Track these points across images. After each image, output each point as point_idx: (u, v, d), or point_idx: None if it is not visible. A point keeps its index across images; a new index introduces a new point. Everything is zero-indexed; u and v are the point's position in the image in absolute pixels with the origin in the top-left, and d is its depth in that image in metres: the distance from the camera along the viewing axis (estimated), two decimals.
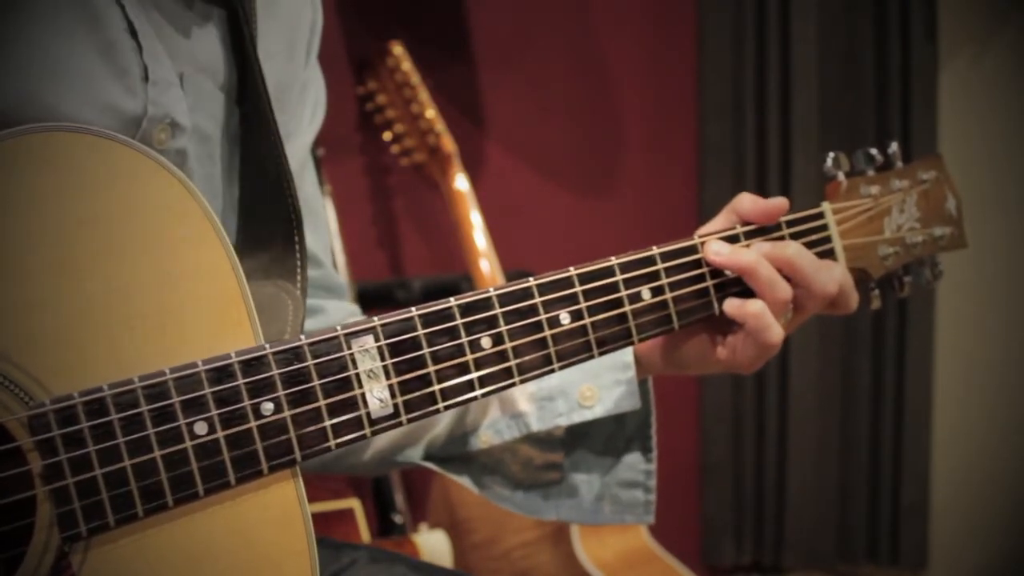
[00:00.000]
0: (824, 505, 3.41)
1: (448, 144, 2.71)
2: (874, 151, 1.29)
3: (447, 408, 1.03)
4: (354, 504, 2.30)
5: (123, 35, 1.00)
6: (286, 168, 1.11)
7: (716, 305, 1.18)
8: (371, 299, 2.65)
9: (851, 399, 3.41)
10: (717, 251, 1.17)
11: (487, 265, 2.61)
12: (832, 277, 1.19)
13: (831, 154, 1.27)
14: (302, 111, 1.27)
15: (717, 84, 3.34)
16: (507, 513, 2.64)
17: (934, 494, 3.40)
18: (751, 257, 1.16)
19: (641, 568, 2.71)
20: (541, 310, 1.07)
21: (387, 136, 2.79)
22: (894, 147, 1.32)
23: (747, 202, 1.21)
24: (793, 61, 3.25)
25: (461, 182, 2.70)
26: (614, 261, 1.12)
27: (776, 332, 1.16)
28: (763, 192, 3.33)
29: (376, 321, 0.99)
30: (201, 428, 0.92)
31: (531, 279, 1.08)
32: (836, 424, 3.41)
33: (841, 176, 1.27)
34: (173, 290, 0.92)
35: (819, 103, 3.27)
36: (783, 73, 3.27)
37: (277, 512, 0.95)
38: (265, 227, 1.11)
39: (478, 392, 1.04)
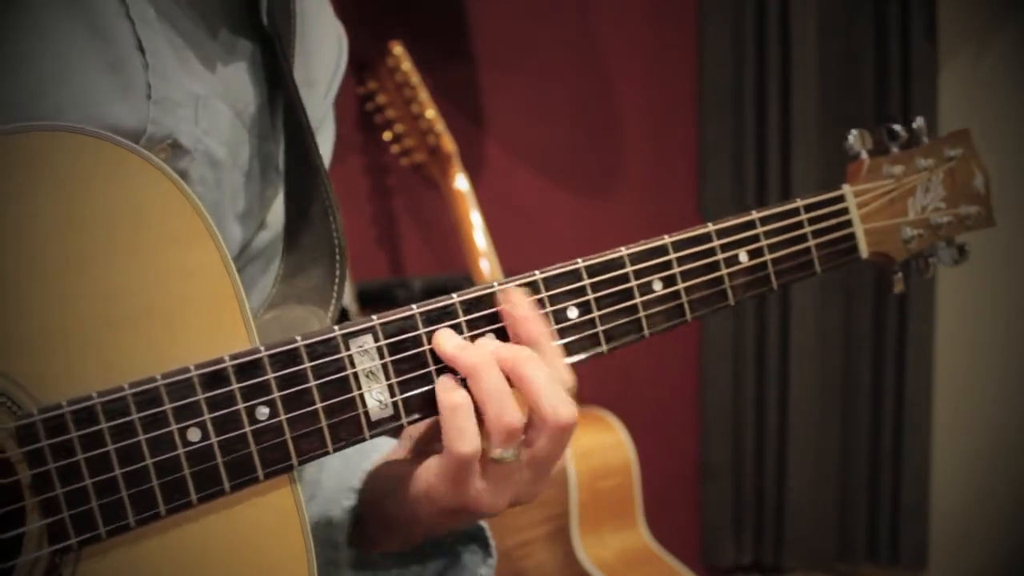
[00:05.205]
0: (824, 505, 3.40)
1: (448, 144, 2.71)
2: (898, 127, 1.23)
3: None
4: None
5: (133, 52, 0.98)
6: (332, 200, 1.09)
7: (731, 295, 1.11)
8: (371, 299, 2.64)
9: (851, 399, 3.40)
10: (446, 339, 0.97)
11: (487, 265, 2.61)
12: (567, 400, 0.97)
13: (853, 131, 1.20)
14: None
15: (717, 84, 3.33)
16: (507, 513, 2.65)
17: (934, 494, 3.39)
18: (480, 358, 0.96)
19: (641, 568, 2.71)
20: (547, 304, 1.02)
21: (387, 136, 2.79)
22: (920, 122, 1.25)
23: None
24: (793, 61, 3.24)
25: (461, 182, 2.70)
26: (624, 252, 1.07)
27: (470, 439, 0.94)
28: (763, 192, 3.38)
29: (375, 320, 0.96)
30: (194, 434, 0.88)
31: (537, 272, 1.02)
32: (836, 424, 3.40)
33: (864, 155, 1.20)
34: (162, 291, 0.89)
35: (819, 103, 3.26)
36: (783, 73, 3.27)
37: (274, 520, 0.92)
38: (308, 257, 1.09)
39: None
